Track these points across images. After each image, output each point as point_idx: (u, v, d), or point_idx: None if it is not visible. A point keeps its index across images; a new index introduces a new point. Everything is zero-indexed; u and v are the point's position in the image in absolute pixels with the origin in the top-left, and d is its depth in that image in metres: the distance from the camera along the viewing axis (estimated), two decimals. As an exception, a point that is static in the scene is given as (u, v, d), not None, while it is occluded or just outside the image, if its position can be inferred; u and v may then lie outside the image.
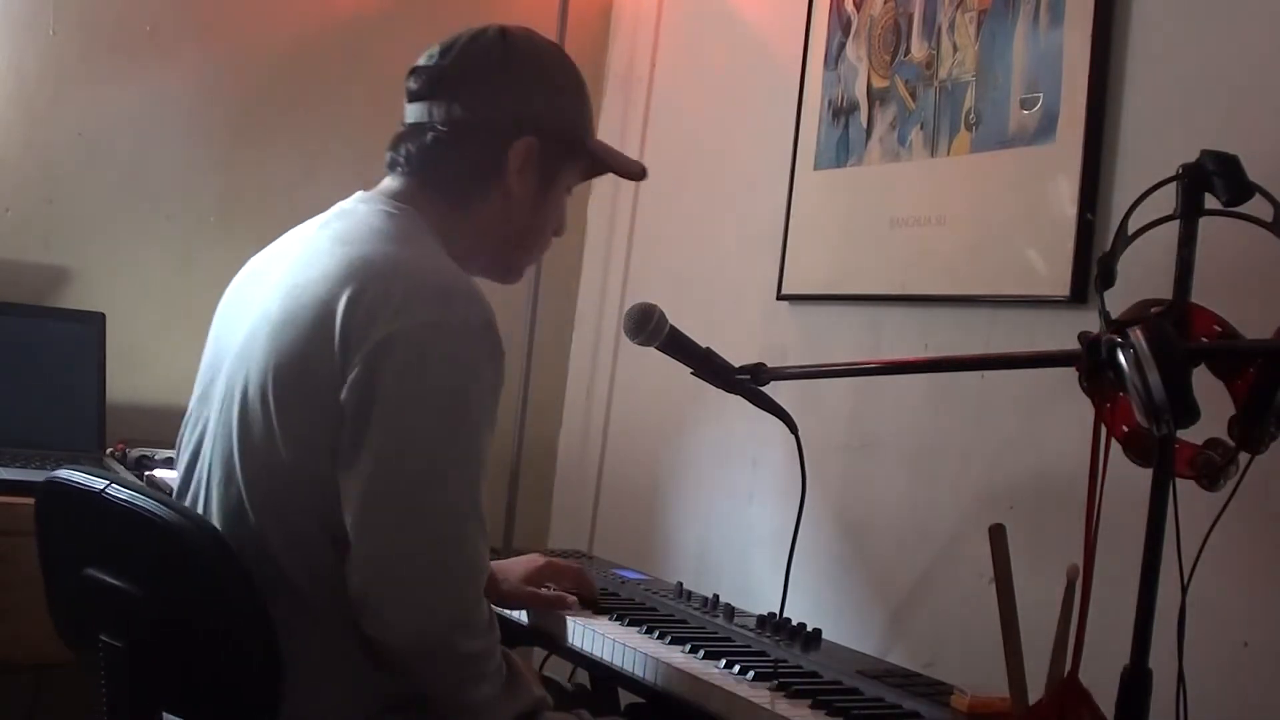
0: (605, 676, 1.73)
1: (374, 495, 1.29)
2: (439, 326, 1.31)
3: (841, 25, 2.33)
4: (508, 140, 1.48)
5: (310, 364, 1.31)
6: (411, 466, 1.29)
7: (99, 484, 1.34)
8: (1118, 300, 1.28)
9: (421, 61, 1.53)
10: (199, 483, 1.43)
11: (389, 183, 1.52)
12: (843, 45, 2.32)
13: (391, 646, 1.30)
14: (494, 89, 1.48)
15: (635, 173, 1.64)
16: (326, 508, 1.32)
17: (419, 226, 1.45)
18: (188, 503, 1.44)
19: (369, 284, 1.32)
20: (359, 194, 1.52)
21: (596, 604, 1.81)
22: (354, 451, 1.29)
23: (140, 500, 1.30)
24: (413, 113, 1.51)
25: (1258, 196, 1.24)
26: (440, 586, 1.30)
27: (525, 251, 1.60)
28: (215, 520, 1.38)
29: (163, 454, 2.36)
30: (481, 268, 1.53)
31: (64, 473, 1.40)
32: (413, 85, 1.51)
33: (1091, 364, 1.23)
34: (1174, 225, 1.28)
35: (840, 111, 2.30)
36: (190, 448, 1.47)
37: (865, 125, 2.24)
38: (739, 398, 1.86)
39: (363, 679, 1.36)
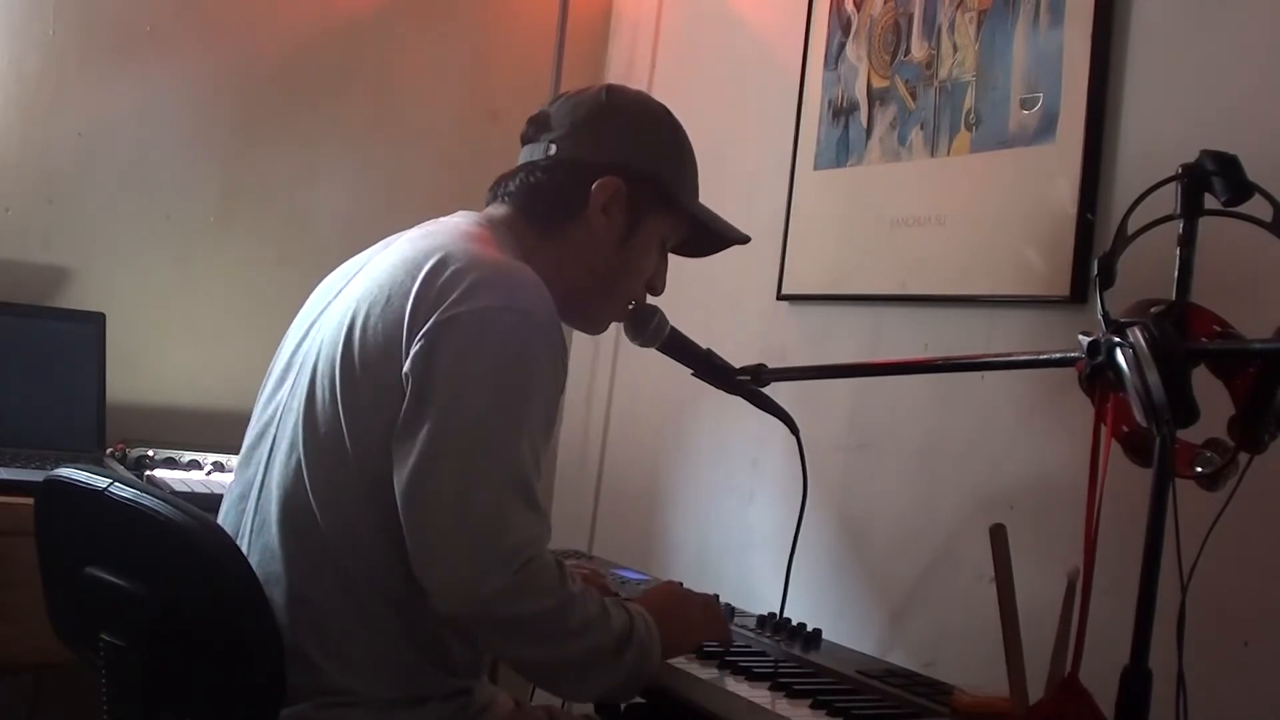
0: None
1: (421, 467, 1.34)
2: (503, 311, 1.38)
3: (841, 25, 2.33)
4: (594, 177, 1.58)
5: (378, 341, 1.39)
6: (456, 440, 1.34)
7: (101, 483, 1.34)
8: (1118, 300, 1.28)
9: (536, 111, 1.67)
10: (262, 459, 1.50)
11: (489, 209, 1.63)
12: (843, 45, 2.32)
13: (443, 613, 1.36)
14: (589, 133, 1.60)
15: (737, 239, 1.73)
16: (381, 489, 1.37)
17: (506, 241, 1.54)
18: (246, 479, 1.51)
19: (442, 271, 1.40)
20: (460, 210, 1.62)
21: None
22: (410, 424, 1.35)
23: (145, 499, 1.30)
24: (522, 154, 1.64)
25: (1258, 196, 1.24)
26: (481, 555, 1.33)
27: (607, 298, 1.67)
28: (274, 494, 1.44)
29: (163, 454, 2.37)
30: (564, 309, 1.54)
31: (64, 472, 1.41)
32: (524, 130, 1.65)
33: (1091, 364, 1.23)
34: (1174, 225, 1.28)
35: (840, 111, 2.30)
36: (259, 424, 1.54)
37: (865, 125, 2.24)
38: (739, 398, 1.86)
39: (405, 661, 1.42)
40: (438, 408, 1.34)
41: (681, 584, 1.99)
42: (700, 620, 1.62)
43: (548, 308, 1.42)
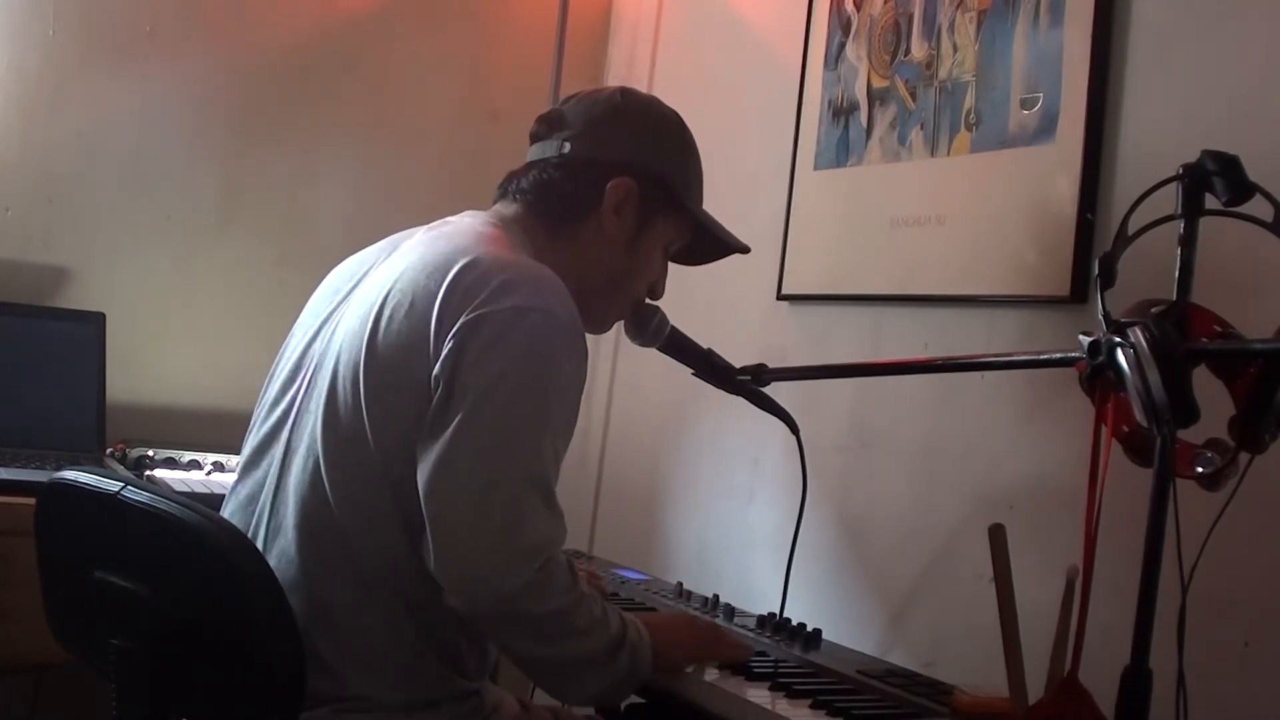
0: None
1: (444, 463, 1.34)
2: (529, 311, 1.38)
3: (841, 25, 2.33)
4: (608, 177, 1.59)
5: (401, 343, 1.40)
6: (479, 437, 1.34)
7: (113, 486, 1.32)
8: (1118, 300, 1.28)
9: (547, 109, 1.68)
10: (274, 461, 1.48)
11: (498, 206, 1.63)
12: (843, 45, 2.32)
13: (460, 610, 1.35)
14: (604, 133, 1.61)
15: (738, 247, 1.74)
16: (403, 489, 1.37)
17: (519, 240, 1.55)
18: (256, 480, 1.50)
19: (467, 274, 1.40)
20: (467, 211, 1.62)
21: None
22: (436, 421, 1.36)
23: (161, 503, 1.28)
24: (532, 152, 1.65)
25: (1258, 196, 1.24)
26: (500, 552, 1.32)
27: (612, 299, 1.68)
28: (290, 497, 1.43)
29: (163, 454, 2.37)
30: None
31: (70, 474, 1.38)
32: (535, 128, 1.66)
33: (1092, 364, 1.23)
34: (1174, 225, 1.28)
35: (840, 111, 2.30)
36: (269, 425, 1.52)
37: (865, 125, 2.24)
38: (739, 398, 1.86)
39: (421, 665, 1.42)
40: (463, 406, 1.34)
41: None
42: (691, 638, 1.61)
43: (571, 309, 1.43)
